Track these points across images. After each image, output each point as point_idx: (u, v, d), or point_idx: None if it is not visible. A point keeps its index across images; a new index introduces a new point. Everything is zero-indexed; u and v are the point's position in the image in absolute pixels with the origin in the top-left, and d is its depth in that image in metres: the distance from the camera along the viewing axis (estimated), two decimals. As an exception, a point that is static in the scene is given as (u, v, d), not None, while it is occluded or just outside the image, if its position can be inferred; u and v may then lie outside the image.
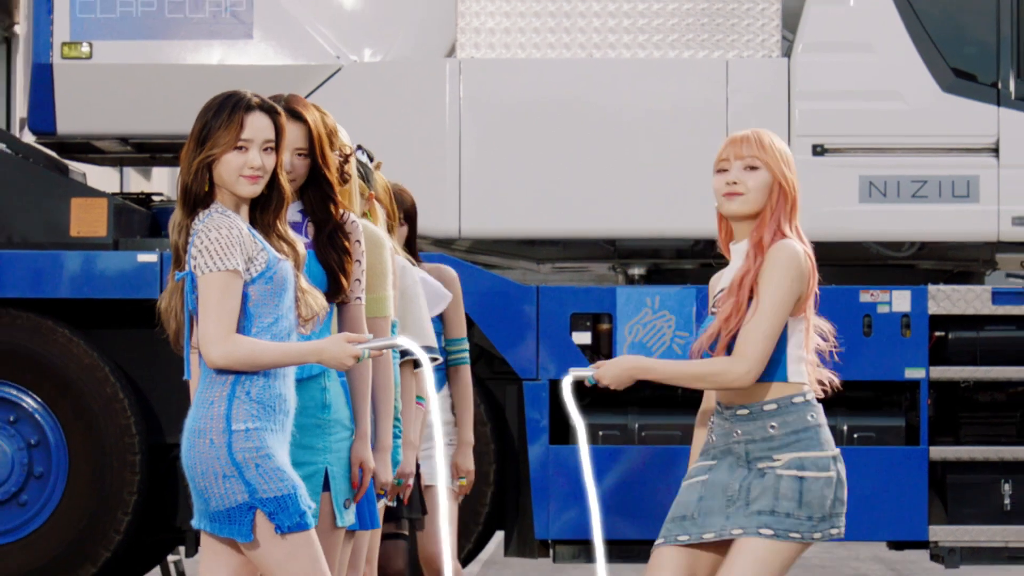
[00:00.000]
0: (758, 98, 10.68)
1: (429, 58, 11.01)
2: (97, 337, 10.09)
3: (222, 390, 5.46)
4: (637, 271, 11.47)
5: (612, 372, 5.59)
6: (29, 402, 10.53)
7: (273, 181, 5.45)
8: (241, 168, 5.33)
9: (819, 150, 10.53)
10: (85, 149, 11.88)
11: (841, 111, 10.65)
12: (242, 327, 5.42)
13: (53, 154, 11.76)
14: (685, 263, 11.33)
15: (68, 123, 11.20)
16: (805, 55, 10.55)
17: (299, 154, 5.76)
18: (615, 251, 11.49)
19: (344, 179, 6.10)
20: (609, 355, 10.50)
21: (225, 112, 5.33)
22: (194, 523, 5.58)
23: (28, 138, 11.69)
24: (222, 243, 5.33)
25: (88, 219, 10.91)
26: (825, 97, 10.72)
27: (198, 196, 5.37)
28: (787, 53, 10.70)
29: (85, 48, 10.87)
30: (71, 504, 9.92)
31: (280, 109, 5.53)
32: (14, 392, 10.40)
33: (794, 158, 9.96)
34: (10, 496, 10.26)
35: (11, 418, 10.37)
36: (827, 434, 5.52)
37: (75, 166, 12.09)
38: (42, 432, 10.48)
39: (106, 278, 10.13)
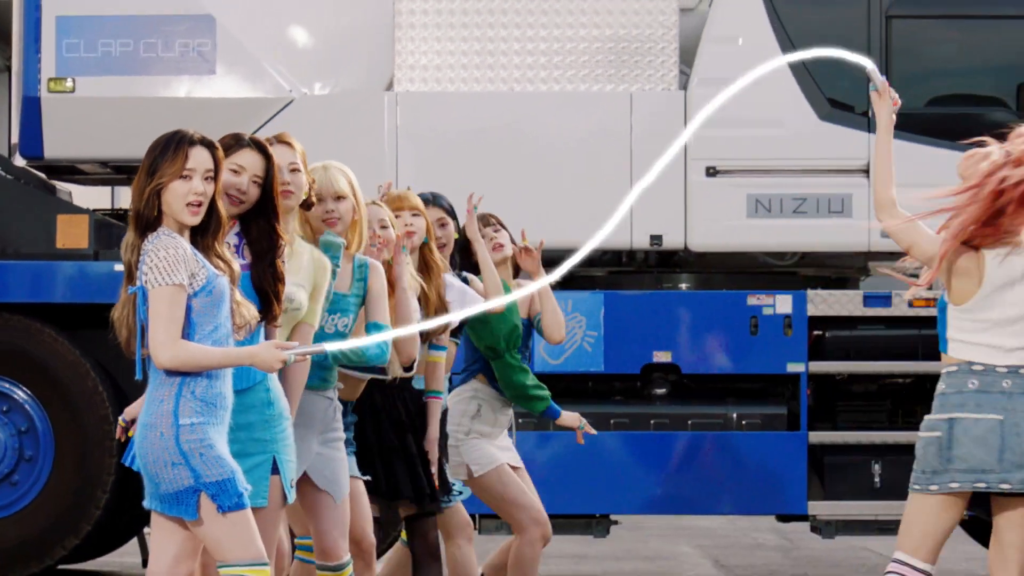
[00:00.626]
0: (658, 126, 11.30)
1: (371, 91, 11.75)
2: (80, 337, 10.70)
3: (170, 389, 5.97)
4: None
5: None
6: (20, 394, 11.21)
7: (212, 208, 5.97)
8: (186, 195, 5.87)
9: (712, 171, 11.32)
10: (70, 171, 12.59)
11: (731, 137, 11.26)
12: (186, 334, 5.92)
13: (42, 176, 12.40)
14: (595, 271, 12.08)
15: (54, 149, 11.93)
16: (700, 88, 11.30)
17: (254, 181, 6.39)
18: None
19: (308, 205, 6.86)
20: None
21: (171, 147, 5.88)
22: (145, 503, 6.09)
23: (19, 161, 12.33)
24: (169, 261, 5.85)
25: (72, 233, 11.56)
26: (717, 125, 10.98)
27: (148, 220, 5.94)
28: (684, 86, 11.46)
29: (69, 83, 11.62)
30: (58, 483, 10.60)
31: (216, 143, 6.09)
32: (7, 385, 11.10)
33: (690, 179, 11.04)
34: (3, 477, 10.97)
35: (4, 408, 11.06)
36: (948, 400, 6.25)
37: (61, 185, 12.69)
38: (31, 420, 11.19)
39: (87, 285, 10.80)
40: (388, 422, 7.56)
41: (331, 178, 7.20)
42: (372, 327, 7.11)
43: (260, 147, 6.55)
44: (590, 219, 11.03)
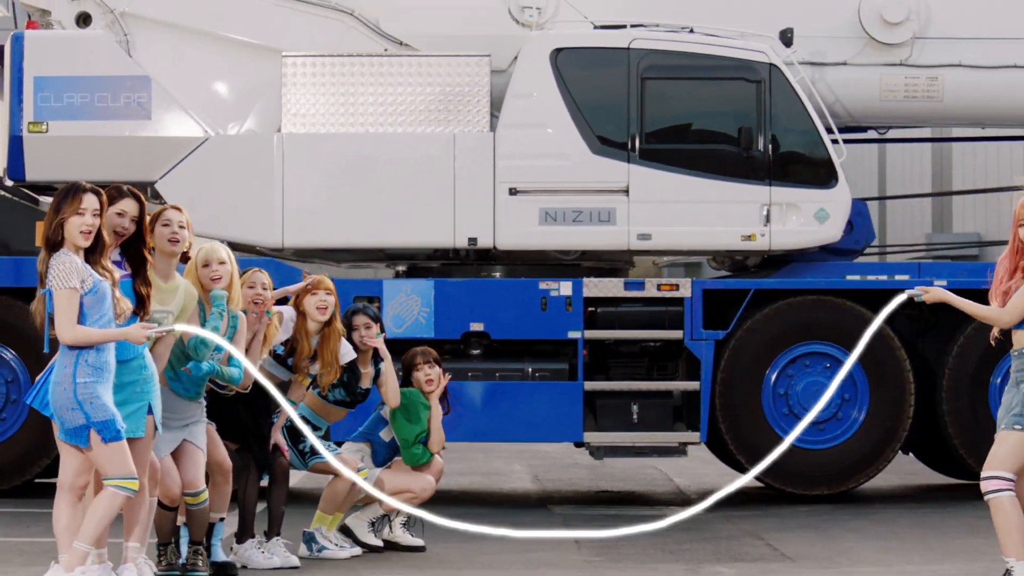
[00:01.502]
0: (474, 158, 13.66)
1: (266, 133, 13.97)
2: (51, 312, 13.05)
3: (71, 359, 7.59)
4: (400, 268, 14.70)
5: (934, 295, 8.45)
6: (6, 354, 13.66)
7: (98, 235, 7.52)
8: (80, 225, 7.42)
9: (513, 191, 13.67)
10: (46, 189, 14.35)
11: (527, 167, 13.73)
12: (80, 321, 7.50)
13: (27, 192, 14.51)
14: (432, 263, 14.43)
15: (33, 173, 14.01)
16: (504, 130, 13.68)
17: (132, 220, 8.21)
18: (385, 255, 14.64)
19: (186, 258, 8.85)
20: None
21: (71, 193, 7.57)
22: (56, 436, 7.87)
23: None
24: (67, 271, 7.42)
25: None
26: (517, 157, 13.74)
27: (54, 243, 7.54)
28: (493, 128, 13.74)
29: (44, 126, 13.76)
30: (34, 419, 12.29)
31: (101, 191, 7.64)
32: (-1, 348, 13.29)
33: (498, 197, 13.47)
34: (-5, 414, 13.26)
35: (-4, 364, 13.28)
36: None
37: (43, 199, 14.58)
38: (15, 373, 13.63)
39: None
40: (248, 411, 9.80)
41: (216, 249, 9.17)
42: (233, 361, 9.09)
43: (136, 196, 8.32)
44: (426, 224, 13.66)
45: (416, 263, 14.61)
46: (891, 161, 34.63)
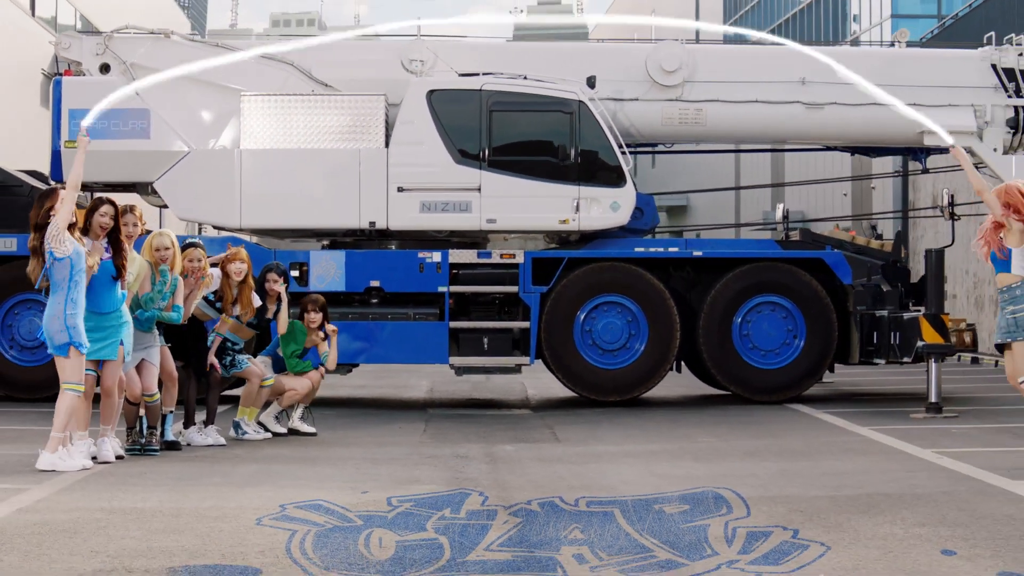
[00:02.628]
0: (374, 166, 17.84)
1: (231, 148, 18.21)
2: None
3: (61, 300, 11.13)
4: (324, 242, 19.11)
5: (957, 153, 12.24)
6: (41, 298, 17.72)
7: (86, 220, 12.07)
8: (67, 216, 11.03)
9: (401, 189, 17.96)
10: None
11: (411, 171, 17.95)
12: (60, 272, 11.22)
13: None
14: (347, 239, 18.69)
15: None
16: (394, 146, 18.07)
17: (112, 219, 11.70)
18: (313, 233, 18.98)
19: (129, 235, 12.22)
20: (306, 281, 17.89)
21: (48, 194, 11.35)
22: (48, 351, 11.23)
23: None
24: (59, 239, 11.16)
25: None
26: (403, 165, 18.04)
27: (39, 225, 11.18)
28: (387, 145, 18.02)
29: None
30: None
31: (58, 189, 11.28)
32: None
33: (390, 193, 18.57)
34: None
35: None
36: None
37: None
38: None
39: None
40: (191, 338, 13.72)
41: (164, 237, 12.89)
42: (175, 307, 12.79)
43: (112, 204, 11.77)
44: (340, 212, 17.87)
45: (335, 239, 19.14)
46: (744, 160, 41.87)
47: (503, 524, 9.32)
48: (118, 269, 12.00)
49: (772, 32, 55.01)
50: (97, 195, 12.44)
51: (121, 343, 12.02)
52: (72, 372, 11.44)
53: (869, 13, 43.59)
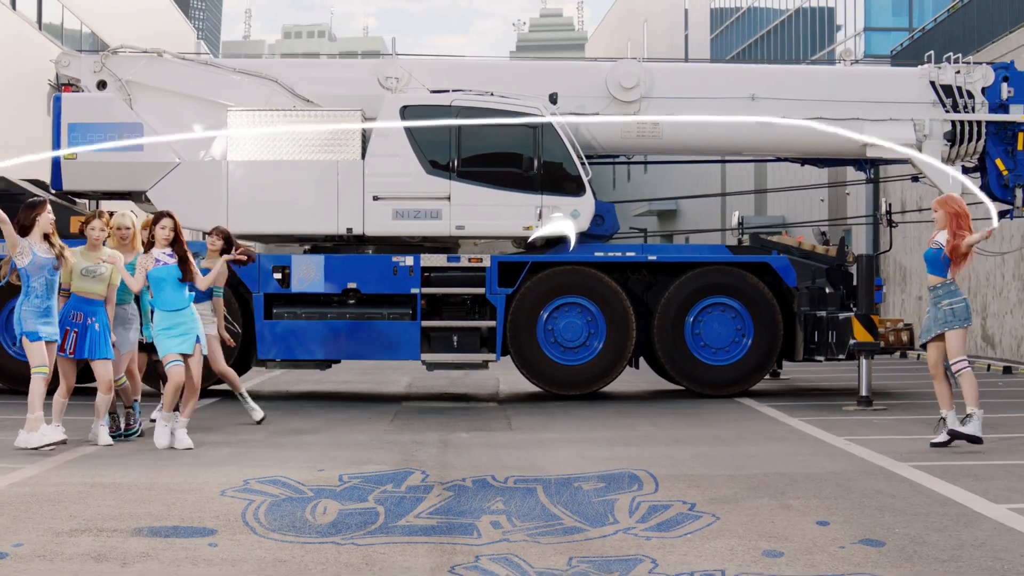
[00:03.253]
0: (351, 176, 19.09)
1: (219, 160, 19.43)
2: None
3: (21, 299, 13.10)
4: (305, 247, 20.37)
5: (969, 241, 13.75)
6: None
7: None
8: (45, 227, 13.00)
9: (376, 198, 19.22)
10: (78, 195, 20.06)
11: (385, 181, 19.11)
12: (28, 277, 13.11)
13: (69, 196, 19.95)
14: (326, 244, 19.88)
15: (68, 186, 19.65)
16: (370, 158, 19.33)
17: (170, 229, 13.61)
18: (295, 239, 20.29)
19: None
20: (288, 283, 19.35)
21: (32, 205, 13.24)
22: (17, 333, 13.06)
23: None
24: (24, 251, 12.99)
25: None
26: (378, 176, 19.21)
27: (24, 230, 13.07)
28: (363, 156, 19.25)
29: (75, 155, 19.25)
30: None
31: (46, 202, 13.22)
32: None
33: (367, 201, 19.83)
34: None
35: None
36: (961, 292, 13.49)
37: (79, 201, 20.08)
38: None
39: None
40: None
41: (124, 216, 14.44)
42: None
43: (171, 217, 13.63)
44: (319, 219, 19.13)
45: (316, 244, 20.45)
46: (729, 168, 43.24)
47: (436, 497, 10.71)
48: (184, 272, 13.69)
49: (757, 42, 56.43)
50: (160, 210, 14.05)
51: (198, 339, 13.66)
52: (34, 357, 13.10)
53: (844, 26, 44.96)
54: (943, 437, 13.54)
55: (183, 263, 13.74)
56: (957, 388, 13.61)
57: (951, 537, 9.01)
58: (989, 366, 27.60)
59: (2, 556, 8.37)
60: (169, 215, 13.93)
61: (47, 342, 13.28)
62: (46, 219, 13.53)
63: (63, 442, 13.23)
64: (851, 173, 33.83)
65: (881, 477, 11.80)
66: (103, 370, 13.46)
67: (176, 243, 13.82)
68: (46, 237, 13.46)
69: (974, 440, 13.42)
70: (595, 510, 10.11)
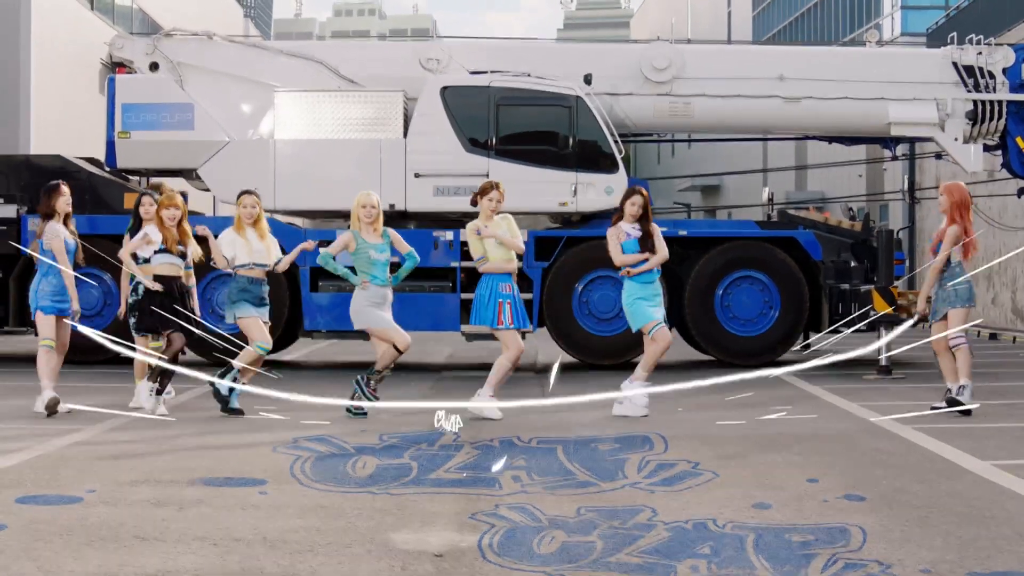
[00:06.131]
0: (393, 154, 19.84)
1: (266, 139, 20.21)
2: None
3: (38, 277, 13.93)
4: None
5: None
6: (104, 276, 19.90)
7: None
8: (64, 209, 13.83)
9: (418, 175, 19.90)
10: (132, 172, 20.73)
11: (426, 159, 19.84)
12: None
13: (122, 174, 20.73)
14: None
15: (122, 163, 20.40)
16: (412, 136, 20.06)
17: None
18: (339, 215, 20.71)
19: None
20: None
21: (49, 191, 13.98)
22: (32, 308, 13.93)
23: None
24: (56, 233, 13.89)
25: (130, 200, 19.35)
26: (420, 153, 19.95)
27: (47, 215, 13.93)
28: (406, 135, 20.03)
29: (128, 134, 20.00)
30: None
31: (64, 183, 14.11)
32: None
33: (408, 179, 20.81)
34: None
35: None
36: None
37: (131, 179, 20.71)
38: (109, 287, 19.99)
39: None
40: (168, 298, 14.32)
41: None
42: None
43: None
44: (351, 195, 20.72)
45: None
46: (771, 146, 43.91)
47: (465, 455, 11.54)
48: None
49: (798, 19, 56.94)
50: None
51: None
52: (44, 329, 13.92)
53: (883, 3, 45.48)
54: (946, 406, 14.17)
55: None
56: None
57: (931, 488, 9.79)
58: (1015, 338, 28.16)
59: (78, 500, 9.25)
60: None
61: (57, 316, 14.02)
62: (63, 202, 14.16)
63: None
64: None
65: (883, 437, 12.56)
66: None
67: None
68: (64, 219, 14.14)
69: (964, 411, 14.02)
70: (607, 467, 10.84)
